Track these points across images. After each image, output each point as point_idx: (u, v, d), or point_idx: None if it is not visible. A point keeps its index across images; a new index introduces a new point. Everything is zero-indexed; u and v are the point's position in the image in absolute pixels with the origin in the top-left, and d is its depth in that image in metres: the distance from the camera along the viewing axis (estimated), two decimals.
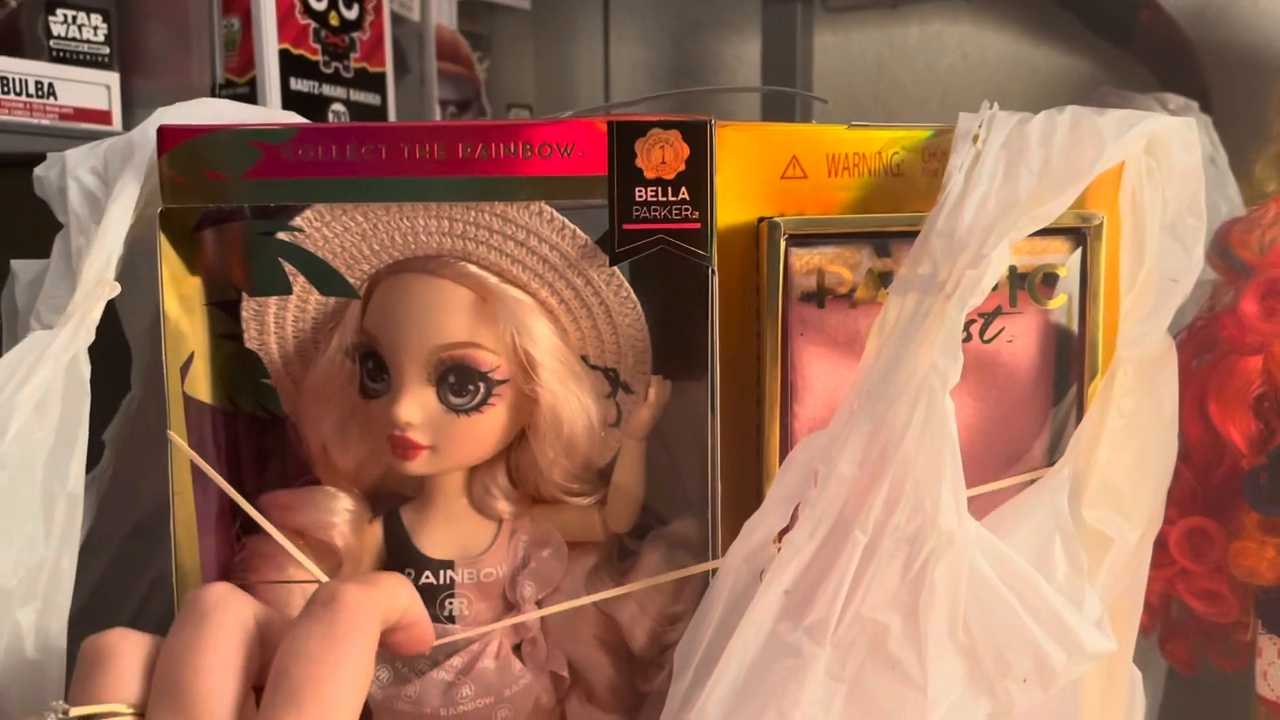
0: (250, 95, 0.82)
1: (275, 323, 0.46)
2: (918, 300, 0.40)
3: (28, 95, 0.70)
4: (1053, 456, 0.46)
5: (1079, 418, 0.45)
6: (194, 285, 0.45)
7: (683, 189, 0.43)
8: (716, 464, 0.44)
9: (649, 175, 0.43)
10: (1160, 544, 0.57)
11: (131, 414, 0.54)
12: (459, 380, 0.44)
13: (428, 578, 0.46)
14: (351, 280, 0.45)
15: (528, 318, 0.44)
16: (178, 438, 0.45)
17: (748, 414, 0.46)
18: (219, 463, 0.46)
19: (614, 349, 0.45)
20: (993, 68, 1.21)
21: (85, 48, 0.74)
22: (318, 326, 0.46)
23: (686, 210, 0.43)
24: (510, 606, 0.47)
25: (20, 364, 0.43)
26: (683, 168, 0.43)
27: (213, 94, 0.83)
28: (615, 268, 0.44)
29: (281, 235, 0.45)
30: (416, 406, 0.45)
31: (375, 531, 0.47)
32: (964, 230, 0.40)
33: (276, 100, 0.83)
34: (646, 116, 0.43)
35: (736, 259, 0.45)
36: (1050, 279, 0.44)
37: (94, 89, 0.74)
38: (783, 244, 0.44)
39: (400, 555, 0.46)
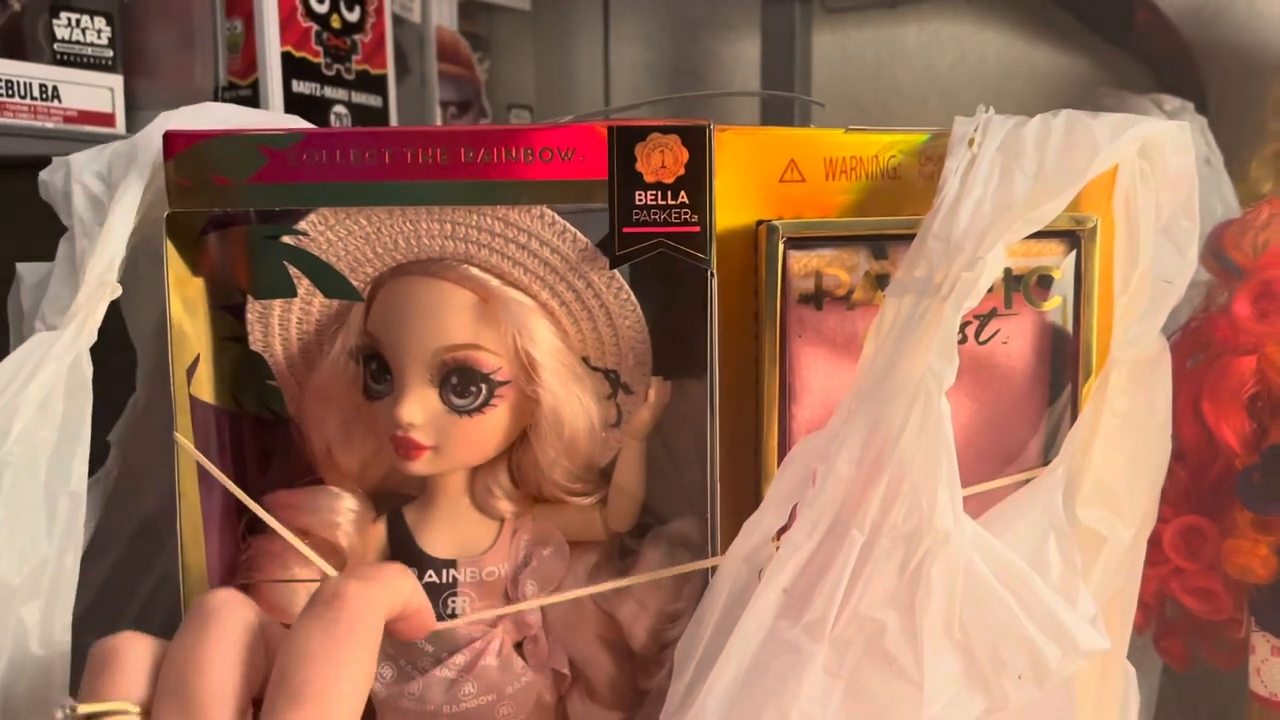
0: (252, 98, 0.83)
1: (280, 325, 0.46)
2: (914, 302, 0.41)
3: (31, 98, 0.71)
4: (1048, 456, 0.46)
5: (1073, 418, 0.45)
6: (199, 288, 0.46)
7: (682, 193, 0.43)
8: (716, 464, 0.44)
9: (649, 179, 0.43)
10: (1154, 542, 0.57)
11: (137, 415, 0.54)
12: (461, 381, 0.45)
13: (430, 576, 0.47)
14: (355, 283, 0.46)
15: (529, 320, 0.45)
16: (183, 439, 0.46)
17: (746, 415, 0.46)
18: (224, 463, 0.46)
19: (614, 350, 0.46)
20: (991, 67, 1.21)
21: (89, 50, 0.74)
22: (321, 329, 0.46)
23: (686, 214, 0.43)
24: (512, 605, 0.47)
25: (24, 364, 0.43)
26: (682, 172, 0.43)
27: (215, 96, 0.83)
28: (615, 270, 0.44)
29: (286, 239, 0.45)
30: (419, 407, 0.45)
31: (379, 531, 0.47)
32: (959, 233, 0.41)
33: (279, 102, 0.83)
34: (646, 121, 0.44)
35: (735, 262, 0.45)
36: (1045, 281, 0.45)
37: (97, 92, 0.75)
38: (781, 247, 0.44)
39: (403, 554, 0.47)
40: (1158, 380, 0.46)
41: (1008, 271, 0.44)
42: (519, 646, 0.47)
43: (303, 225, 0.45)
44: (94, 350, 0.45)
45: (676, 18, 1.38)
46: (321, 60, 0.87)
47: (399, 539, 0.47)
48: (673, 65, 1.39)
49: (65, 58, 0.73)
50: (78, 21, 0.73)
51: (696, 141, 0.43)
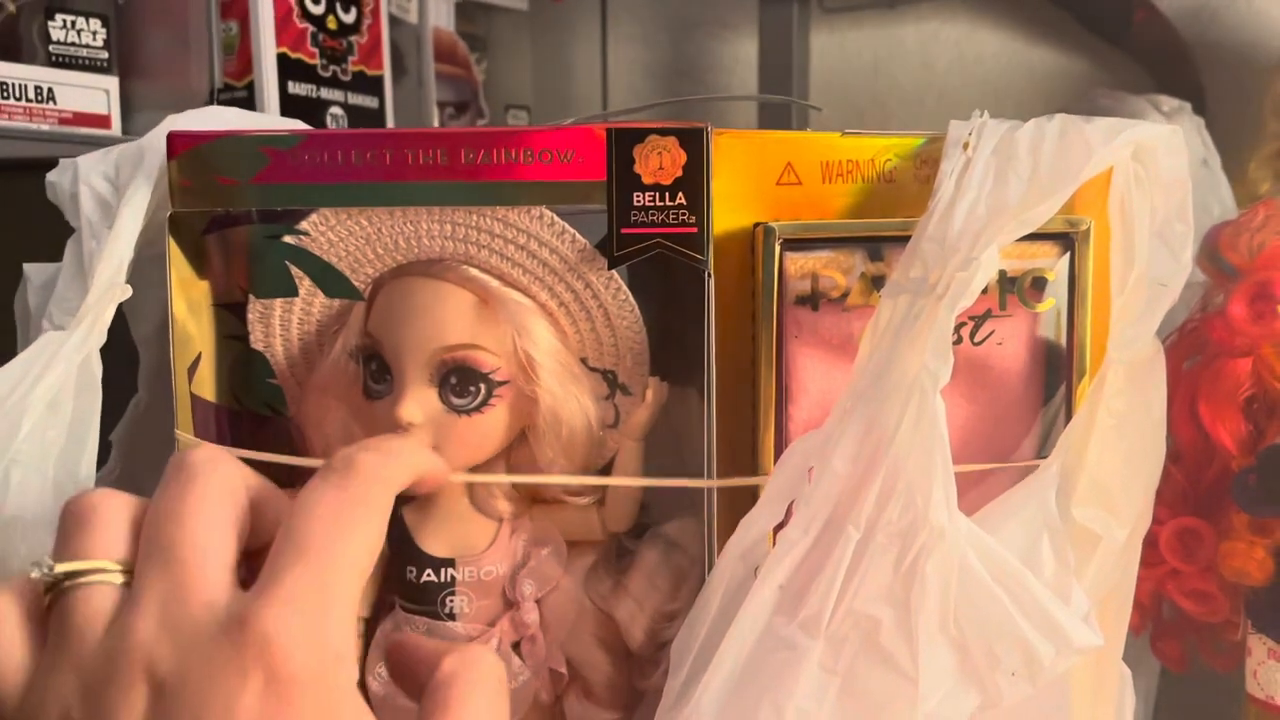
0: (248, 99, 0.83)
1: (281, 324, 0.46)
2: (909, 302, 0.41)
3: (27, 100, 0.71)
4: (1042, 456, 0.46)
5: (1068, 419, 0.46)
6: (202, 287, 0.46)
7: (680, 194, 0.44)
8: (713, 465, 0.45)
9: (647, 181, 0.44)
10: (1151, 544, 0.58)
11: (139, 415, 0.54)
12: (460, 381, 0.45)
13: (429, 575, 0.47)
14: (356, 283, 0.46)
15: (528, 320, 0.45)
16: (185, 436, 0.46)
17: (743, 415, 0.46)
18: None
19: (612, 351, 0.46)
20: (989, 67, 1.21)
21: (84, 52, 0.74)
22: (322, 328, 0.47)
23: (684, 215, 0.44)
24: (510, 604, 0.47)
25: (33, 364, 0.44)
26: (680, 173, 0.44)
27: (211, 98, 0.83)
28: (614, 271, 0.45)
29: (288, 239, 0.45)
30: (418, 407, 0.45)
31: None
32: (954, 235, 0.41)
33: (275, 104, 0.83)
34: (645, 124, 0.44)
35: (732, 263, 0.46)
36: (1039, 283, 0.45)
37: (93, 93, 0.75)
38: (778, 248, 0.44)
39: (402, 553, 0.47)
40: (1153, 382, 0.46)
41: (1002, 273, 0.45)
42: (516, 646, 0.47)
43: (304, 225, 0.45)
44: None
45: (674, 18, 1.38)
46: (317, 61, 0.87)
47: (398, 538, 0.47)
48: (670, 65, 1.39)
49: (61, 59, 0.73)
50: (73, 23, 0.73)
51: (694, 143, 0.43)
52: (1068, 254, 0.45)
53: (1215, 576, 0.58)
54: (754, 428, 0.46)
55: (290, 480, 0.47)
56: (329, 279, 0.46)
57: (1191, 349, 0.60)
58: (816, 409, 0.45)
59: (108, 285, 0.45)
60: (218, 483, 0.36)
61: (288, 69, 0.84)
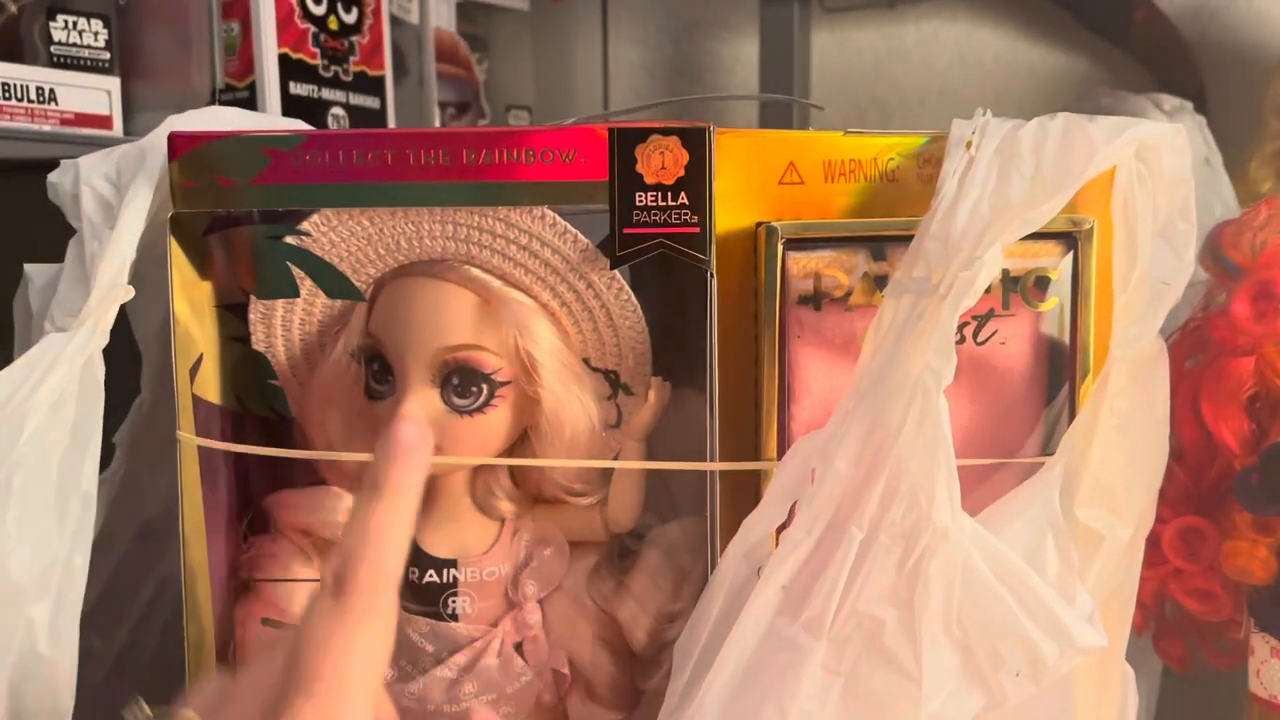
0: (250, 99, 0.83)
1: (282, 325, 0.46)
2: (912, 302, 0.41)
3: (29, 101, 0.71)
4: (1045, 455, 0.46)
5: (1071, 418, 0.45)
6: (203, 288, 0.46)
7: (682, 194, 0.44)
8: (715, 458, 0.45)
9: (649, 180, 0.44)
10: (1154, 543, 0.57)
11: (141, 416, 0.54)
12: (462, 382, 0.45)
13: (431, 576, 0.47)
14: (357, 284, 0.46)
15: (530, 320, 0.45)
16: (187, 436, 0.46)
17: (745, 415, 0.46)
18: (226, 462, 0.46)
19: (615, 351, 0.46)
20: (990, 67, 1.21)
21: (86, 53, 0.74)
22: (324, 329, 0.47)
23: (686, 215, 0.44)
24: (512, 605, 0.47)
25: (36, 366, 0.44)
26: (682, 173, 0.44)
27: (212, 98, 0.83)
28: (616, 271, 0.45)
29: (289, 239, 0.45)
30: (420, 407, 0.45)
31: None
32: (957, 234, 0.41)
33: (276, 104, 0.83)
34: (647, 123, 0.44)
35: (735, 263, 0.45)
36: (1042, 282, 0.45)
37: (95, 94, 0.75)
38: (780, 248, 0.44)
39: None
40: (1156, 380, 0.46)
41: (1005, 273, 0.45)
42: (519, 647, 0.47)
43: (305, 226, 0.45)
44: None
45: (675, 18, 1.38)
46: (319, 62, 0.87)
47: None
48: (671, 65, 1.39)
49: (62, 60, 0.73)
50: (74, 24, 0.73)
51: (696, 143, 0.43)
52: (1071, 253, 0.45)
53: (1218, 575, 0.58)
54: (757, 427, 0.46)
55: (291, 480, 0.47)
56: (330, 279, 0.46)
57: (1194, 348, 0.60)
58: (819, 408, 0.45)
59: (110, 286, 0.45)
60: None
61: (289, 69, 0.84)
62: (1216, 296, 0.60)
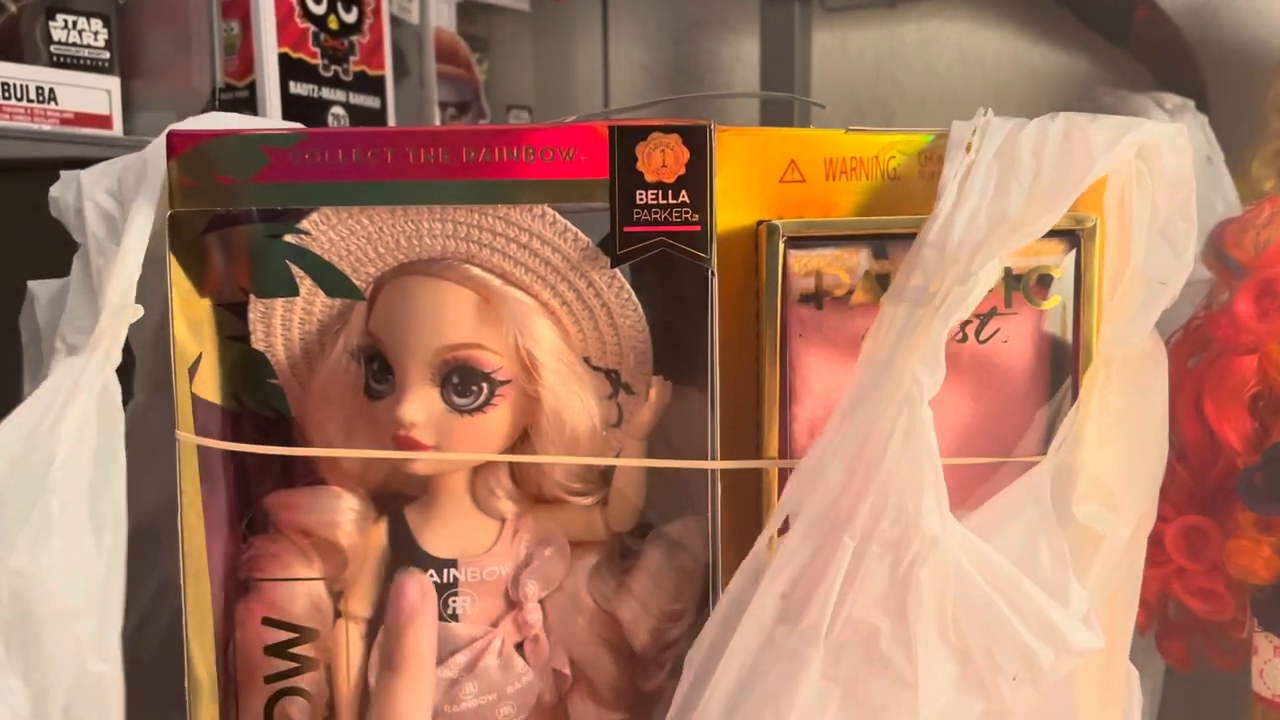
0: (250, 99, 0.83)
1: (282, 324, 0.46)
2: (909, 312, 0.41)
3: (28, 100, 0.71)
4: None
5: None
6: (202, 287, 0.46)
7: (683, 192, 0.43)
8: (716, 455, 0.45)
9: (650, 178, 0.44)
10: (1156, 542, 0.57)
11: (135, 419, 0.54)
12: (463, 381, 0.45)
13: (431, 576, 0.47)
14: (357, 282, 0.46)
15: (530, 319, 0.45)
16: (186, 436, 0.46)
17: (747, 414, 0.46)
18: (225, 462, 0.46)
19: (615, 350, 0.46)
20: (991, 67, 1.21)
21: (85, 53, 0.74)
22: (323, 328, 0.46)
23: (687, 213, 0.44)
24: (513, 605, 0.47)
25: (56, 394, 0.44)
26: (683, 171, 0.43)
27: (212, 98, 0.83)
28: (616, 270, 0.44)
29: (288, 238, 0.45)
30: (420, 407, 0.45)
31: (380, 531, 0.47)
32: (954, 244, 0.41)
33: (276, 104, 0.83)
34: (647, 121, 0.44)
35: (736, 261, 0.45)
36: (1045, 280, 0.45)
37: (94, 94, 0.74)
38: (781, 246, 0.44)
39: (404, 554, 0.47)
40: (1152, 378, 0.46)
41: (1008, 271, 0.44)
42: (520, 647, 0.47)
43: (305, 224, 0.45)
44: None
45: (675, 18, 1.38)
46: (319, 61, 0.86)
47: (400, 539, 0.47)
48: (672, 65, 1.39)
49: (62, 60, 0.72)
50: (74, 23, 0.73)
51: (697, 141, 0.43)
52: (1073, 251, 0.45)
53: (1221, 575, 0.58)
54: (758, 426, 0.46)
55: (290, 479, 0.47)
56: (330, 278, 0.46)
57: (1197, 346, 0.60)
58: (821, 407, 0.45)
59: (119, 306, 0.45)
60: None
61: (289, 69, 0.84)
62: (1219, 295, 0.60)
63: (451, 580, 0.47)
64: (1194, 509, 0.59)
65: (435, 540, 0.47)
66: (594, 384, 0.46)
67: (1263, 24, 1.05)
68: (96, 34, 0.74)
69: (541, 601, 0.47)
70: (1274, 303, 0.55)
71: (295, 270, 0.45)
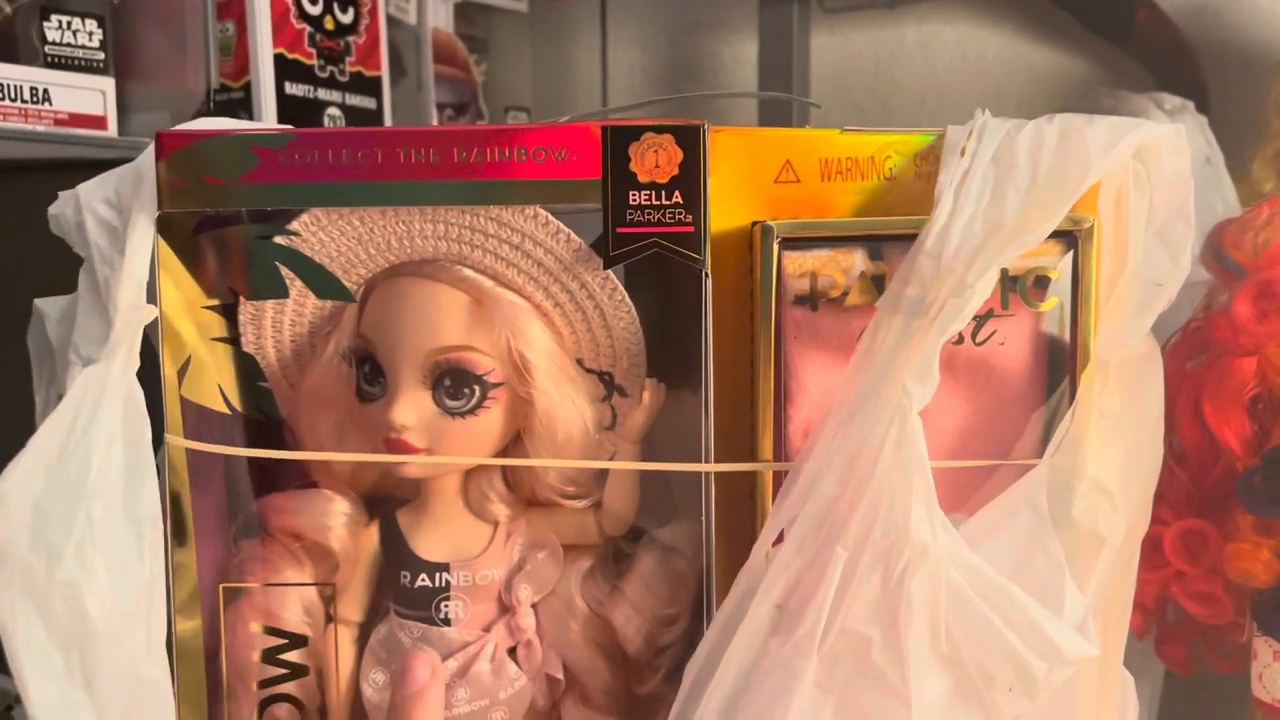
0: (245, 100, 0.83)
1: (272, 326, 0.46)
2: (904, 323, 0.41)
3: (23, 101, 0.70)
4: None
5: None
6: (192, 289, 0.45)
7: (676, 193, 0.43)
8: (710, 457, 0.44)
9: (643, 179, 0.43)
10: (1156, 546, 0.57)
11: None
12: (454, 383, 0.45)
13: (423, 580, 0.46)
14: (348, 284, 0.45)
15: (523, 321, 0.45)
16: (175, 439, 0.45)
17: (741, 416, 0.46)
18: (215, 465, 0.46)
19: (609, 352, 0.45)
20: (990, 67, 1.21)
21: (80, 53, 0.73)
22: (314, 330, 0.46)
23: (680, 214, 0.43)
24: (506, 609, 0.47)
25: (83, 402, 0.44)
26: (676, 172, 0.43)
27: (207, 98, 0.83)
28: (610, 271, 0.44)
29: (279, 239, 0.45)
30: (412, 409, 0.45)
31: (372, 534, 0.47)
32: (950, 254, 0.41)
33: (272, 104, 0.83)
34: (640, 121, 0.43)
35: (730, 262, 0.45)
36: (1042, 282, 0.44)
37: (89, 94, 0.74)
38: (776, 247, 0.44)
39: (396, 558, 0.47)
40: (1148, 381, 0.46)
41: (1004, 272, 0.44)
42: (512, 651, 0.47)
43: (295, 225, 0.45)
44: None
45: (674, 19, 1.38)
46: (315, 62, 0.86)
47: (392, 542, 0.47)
48: (670, 67, 1.39)
49: (56, 60, 0.72)
50: (69, 24, 0.73)
51: (690, 141, 0.43)
52: (1071, 252, 0.44)
53: (1220, 578, 0.58)
54: (753, 428, 0.45)
55: (281, 483, 0.46)
56: (320, 280, 0.45)
57: (1196, 348, 0.59)
58: (815, 409, 0.45)
59: (132, 310, 0.45)
60: None
61: (285, 70, 0.84)
62: (1218, 296, 0.60)
63: (443, 584, 0.46)
64: (1193, 512, 0.58)
65: (427, 544, 0.47)
66: (587, 386, 0.46)
67: (1263, 25, 1.05)
68: (91, 34, 0.74)
69: (534, 606, 0.47)
70: (1273, 304, 0.55)
71: (285, 272, 0.45)
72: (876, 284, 0.44)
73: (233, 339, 0.46)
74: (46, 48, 0.72)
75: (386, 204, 0.44)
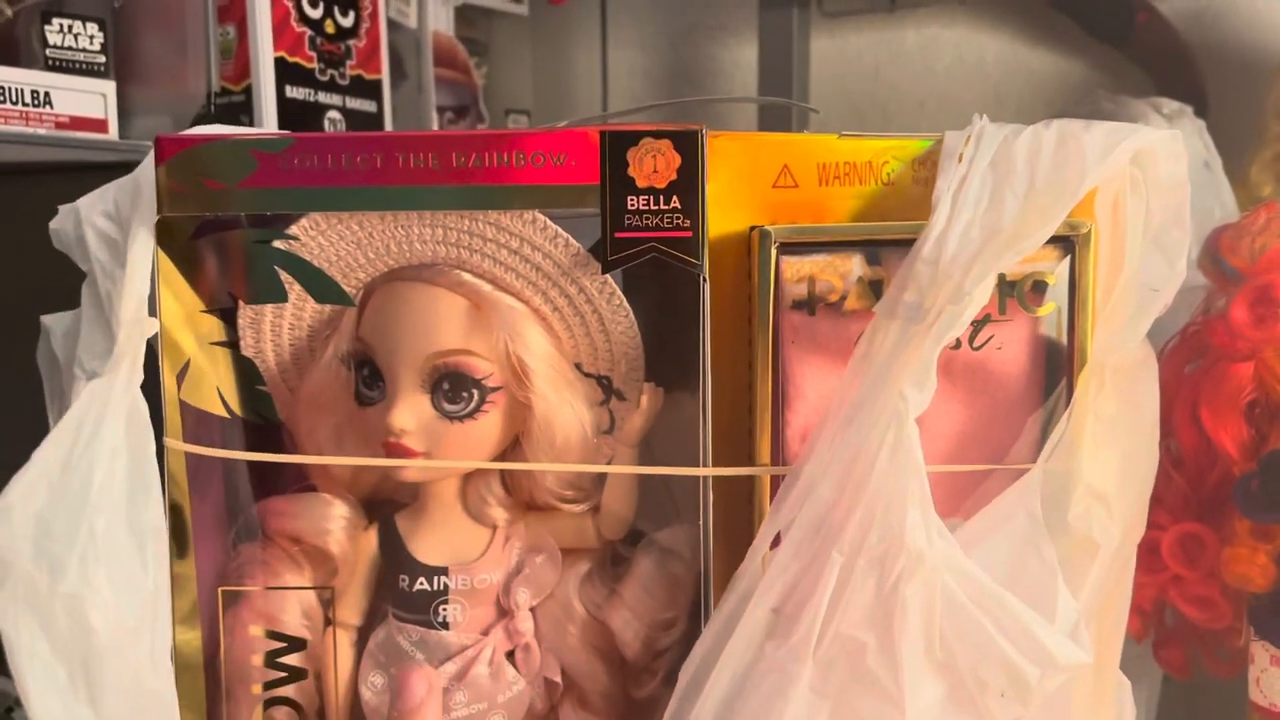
0: (246, 103, 0.83)
1: (271, 330, 0.46)
2: (902, 329, 0.41)
3: (24, 104, 0.71)
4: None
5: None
6: (191, 293, 0.45)
7: (674, 197, 0.43)
8: (708, 461, 0.44)
9: (641, 184, 0.43)
10: (1153, 550, 0.57)
11: None
12: (453, 387, 0.45)
13: (422, 584, 0.46)
14: (347, 288, 0.46)
15: (521, 325, 0.45)
16: (174, 443, 0.45)
17: (739, 421, 0.46)
18: (214, 469, 0.46)
19: (607, 356, 0.45)
20: (989, 71, 1.21)
21: (81, 56, 0.74)
22: (313, 334, 0.46)
23: (678, 219, 0.43)
24: (504, 613, 0.47)
25: (86, 416, 0.44)
26: (674, 176, 0.43)
27: (208, 102, 0.83)
28: (608, 275, 0.44)
29: (278, 244, 0.45)
30: (411, 413, 0.45)
31: (370, 538, 0.47)
32: (948, 259, 0.41)
33: (272, 108, 0.83)
34: (639, 126, 0.43)
35: (728, 267, 0.45)
36: (1039, 287, 0.45)
37: (90, 98, 0.74)
38: (774, 252, 0.44)
39: (395, 561, 0.47)
40: (1144, 386, 0.46)
41: (1002, 277, 0.44)
42: (510, 655, 0.47)
43: (294, 230, 0.45)
44: None
45: (674, 23, 1.38)
46: (315, 65, 0.86)
47: (390, 546, 0.47)
48: (670, 70, 1.39)
49: (57, 63, 0.72)
50: (70, 27, 0.73)
51: (689, 146, 0.43)
52: (1068, 257, 0.44)
53: (1218, 583, 0.58)
54: (750, 433, 0.45)
55: (280, 486, 0.46)
56: (319, 284, 0.45)
57: (1193, 353, 0.59)
58: (813, 414, 0.45)
59: (134, 323, 0.45)
60: None
61: (285, 73, 0.84)
62: (1215, 301, 0.60)
63: (442, 588, 0.46)
64: (1190, 516, 0.58)
65: (426, 548, 0.47)
66: (585, 390, 0.46)
67: (1263, 29, 1.05)
68: (92, 38, 0.74)
69: (533, 609, 0.47)
70: (1270, 309, 0.55)
71: (284, 276, 0.45)
72: (874, 289, 0.44)
73: (232, 343, 0.46)
74: (47, 51, 0.72)
75: (385, 208, 0.44)
